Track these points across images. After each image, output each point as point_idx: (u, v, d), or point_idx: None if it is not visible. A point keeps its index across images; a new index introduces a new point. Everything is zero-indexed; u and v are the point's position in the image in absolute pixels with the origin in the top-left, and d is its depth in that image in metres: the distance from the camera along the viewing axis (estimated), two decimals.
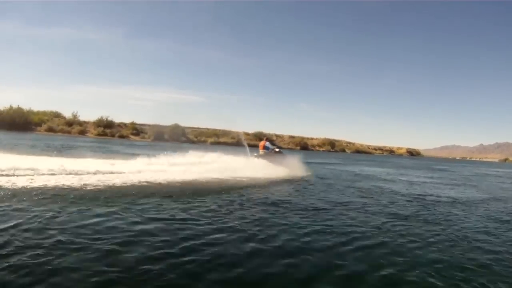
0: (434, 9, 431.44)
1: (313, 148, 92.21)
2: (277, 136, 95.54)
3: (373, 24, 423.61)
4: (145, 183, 9.23)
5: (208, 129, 73.78)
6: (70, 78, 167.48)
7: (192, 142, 64.36)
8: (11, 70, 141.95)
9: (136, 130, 66.65)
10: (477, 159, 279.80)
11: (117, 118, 66.92)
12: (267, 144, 16.35)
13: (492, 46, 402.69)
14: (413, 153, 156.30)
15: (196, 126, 72.96)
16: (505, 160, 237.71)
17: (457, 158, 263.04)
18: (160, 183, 9.43)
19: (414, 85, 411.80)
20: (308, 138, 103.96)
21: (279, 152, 16.45)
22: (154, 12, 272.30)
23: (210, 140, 67.98)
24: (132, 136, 63.90)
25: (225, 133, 72.33)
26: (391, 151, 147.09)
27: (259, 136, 75.46)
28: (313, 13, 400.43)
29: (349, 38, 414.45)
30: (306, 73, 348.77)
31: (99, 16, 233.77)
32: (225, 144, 64.18)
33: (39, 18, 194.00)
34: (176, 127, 64.93)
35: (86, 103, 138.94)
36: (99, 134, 60.31)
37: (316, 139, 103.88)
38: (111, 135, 61.37)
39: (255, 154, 15.98)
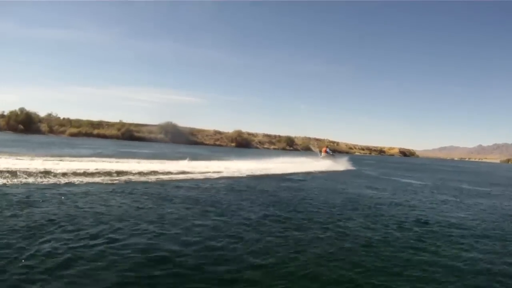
0: (431, 9, 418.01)
1: (259, 146, 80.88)
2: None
3: (371, 25, 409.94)
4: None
5: (80, 119, 62.90)
6: (67, 79, 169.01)
7: (42, 133, 54.31)
8: (7, 71, 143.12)
9: None
10: (476, 160, 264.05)
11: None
12: (328, 150, 30.31)
13: (491, 47, 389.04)
14: (406, 154, 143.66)
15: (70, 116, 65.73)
16: (508, 160, 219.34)
17: (456, 158, 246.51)
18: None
19: (413, 85, 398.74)
20: (253, 134, 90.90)
21: (332, 155, 30.03)
22: (151, 12, 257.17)
23: (70, 130, 57.30)
24: None
25: (109, 124, 62.07)
26: (381, 151, 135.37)
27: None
28: (310, 12, 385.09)
29: (346, 38, 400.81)
30: (304, 73, 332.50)
31: (97, 16, 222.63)
32: (102, 136, 56.07)
33: (35, 19, 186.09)
34: (21, 113, 50.53)
35: (83, 103, 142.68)
36: None
37: (276, 137, 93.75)
38: None
39: (321, 156, 29.04)
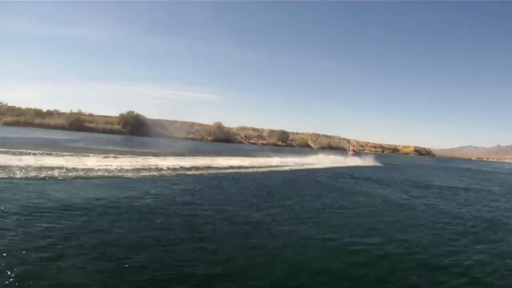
0: (450, 7, 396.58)
1: (244, 141, 74.34)
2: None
3: (385, 22, 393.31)
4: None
5: (28, 108, 57.14)
6: (86, 76, 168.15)
7: None
8: (27, 68, 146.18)
9: None
10: (495, 160, 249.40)
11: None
12: (355, 149, 37.18)
13: (510, 45, 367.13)
14: (422, 152, 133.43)
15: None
16: None
17: (473, 158, 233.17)
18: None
19: (431, 84, 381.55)
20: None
21: (358, 154, 36.10)
22: (169, 9, 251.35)
23: (6, 119, 52.88)
24: None
25: (59, 114, 56.37)
26: (394, 150, 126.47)
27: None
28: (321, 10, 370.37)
29: (359, 35, 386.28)
30: (316, 70, 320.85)
31: (110, 14, 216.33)
32: (45, 126, 50.78)
33: (55, 17, 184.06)
34: None
35: (100, 100, 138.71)
36: None
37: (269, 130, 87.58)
38: None
39: (350, 154, 34.88)
